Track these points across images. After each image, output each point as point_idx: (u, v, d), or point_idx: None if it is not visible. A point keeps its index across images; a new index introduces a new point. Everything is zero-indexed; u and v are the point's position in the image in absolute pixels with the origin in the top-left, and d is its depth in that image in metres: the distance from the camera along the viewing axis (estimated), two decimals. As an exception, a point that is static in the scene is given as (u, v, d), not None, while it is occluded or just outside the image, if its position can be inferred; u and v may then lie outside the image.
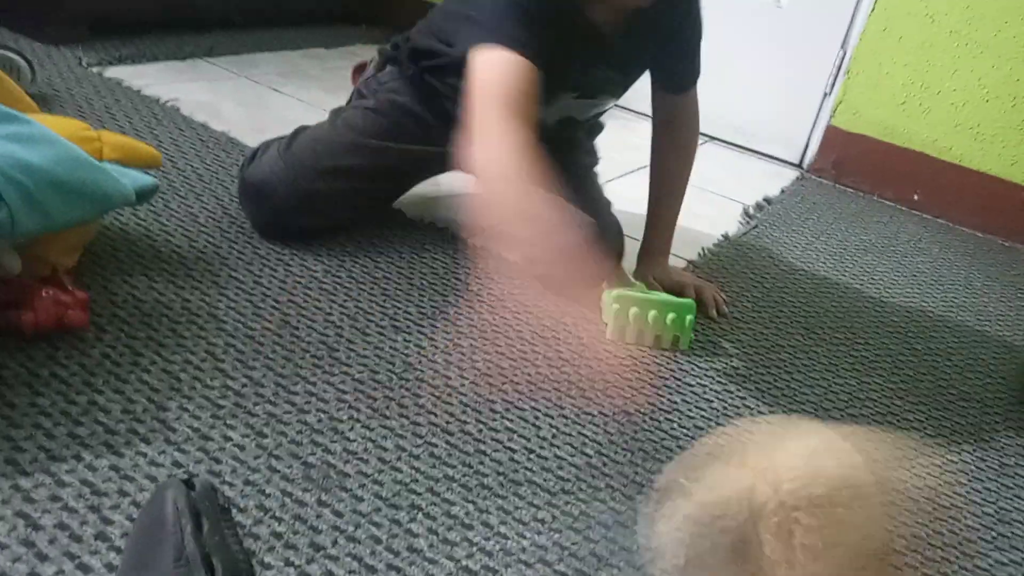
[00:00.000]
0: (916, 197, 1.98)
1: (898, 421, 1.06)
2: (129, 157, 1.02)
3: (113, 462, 0.73)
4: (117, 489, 0.70)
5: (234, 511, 0.70)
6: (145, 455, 0.74)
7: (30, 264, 0.87)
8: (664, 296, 1.12)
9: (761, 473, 0.46)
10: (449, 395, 0.91)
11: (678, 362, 1.08)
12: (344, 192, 1.16)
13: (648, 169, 1.28)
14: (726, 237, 1.54)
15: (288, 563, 0.67)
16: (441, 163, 1.23)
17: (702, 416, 0.98)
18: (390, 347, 0.98)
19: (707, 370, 1.08)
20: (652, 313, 1.09)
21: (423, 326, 1.04)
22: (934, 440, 1.04)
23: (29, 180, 0.81)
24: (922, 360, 1.24)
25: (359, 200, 1.20)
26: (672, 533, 0.45)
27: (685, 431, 0.94)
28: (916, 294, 1.48)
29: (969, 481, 0.97)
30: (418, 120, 1.20)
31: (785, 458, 0.46)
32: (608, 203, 1.30)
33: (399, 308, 1.06)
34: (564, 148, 1.23)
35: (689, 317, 1.10)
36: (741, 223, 1.63)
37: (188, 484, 0.53)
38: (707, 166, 1.96)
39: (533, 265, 1.04)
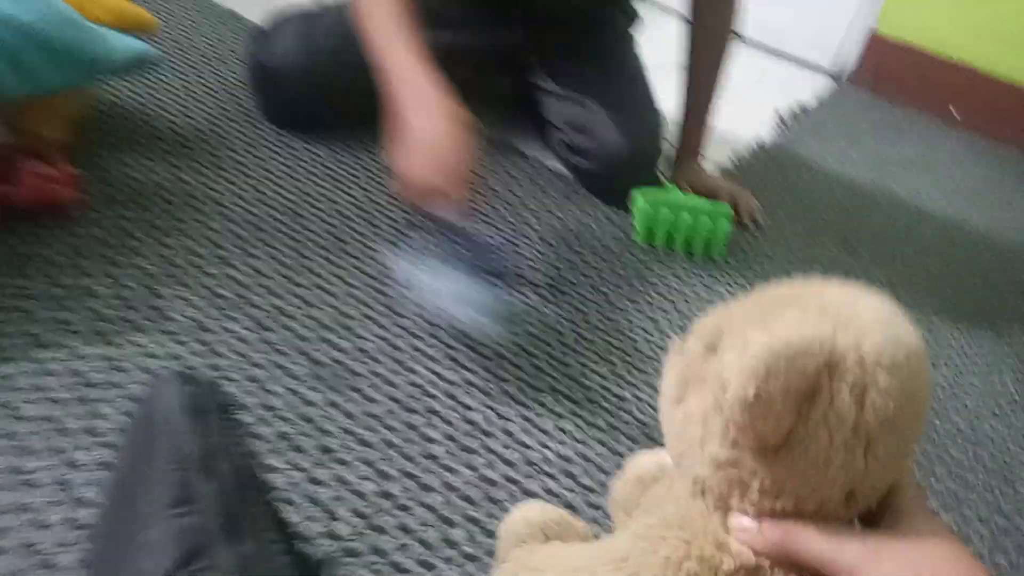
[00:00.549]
0: (956, 113, 1.87)
1: (939, 343, 1.00)
2: (123, 20, 0.92)
3: (104, 351, 0.67)
4: (107, 380, 0.64)
5: (237, 409, 0.64)
6: (139, 345, 0.68)
7: (16, 136, 0.79)
8: (698, 200, 1.04)
9: (844, 324, 0.41)
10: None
11: (709, 271, 1.01)
12: (368, 86, 1.07)
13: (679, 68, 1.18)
14: (760, 144, 1.44)
15: (295, 466, 0.62)
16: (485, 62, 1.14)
17: (735, 329, 0.92)
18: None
19: (740, 281, 1.01)
20: (684, 216, 1.02)
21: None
22: (975, 362, 0.98)
23: (14, 37, 0.73)
24: (961, 280, 1.18)
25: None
26: (746, 362, 0.39)
27: (717, 344, 0.88)
28: (954, 212, 1.40)
29: (1009, 406, 0.92)
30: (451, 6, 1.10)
31: (868, 314, 0.41)
32: (645, 95, 1.16)
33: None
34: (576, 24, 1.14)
35: (723, 223, 1.03)
36: (775, 130, 1.54)
37: (187, 378, 0.47)
38: (737, 68, 1.84)
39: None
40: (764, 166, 1.37)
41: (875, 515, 0.42)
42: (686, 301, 0.94)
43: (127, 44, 0.86)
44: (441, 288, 0.72)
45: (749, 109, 1.61)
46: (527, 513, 0.53)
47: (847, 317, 0.41)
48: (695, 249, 1.04)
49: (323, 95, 1.04)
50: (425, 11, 0.90)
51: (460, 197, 0.75)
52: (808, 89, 1.85)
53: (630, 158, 1.07)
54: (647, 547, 0.43)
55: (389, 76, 0.82)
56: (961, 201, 1.46)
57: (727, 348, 0.42)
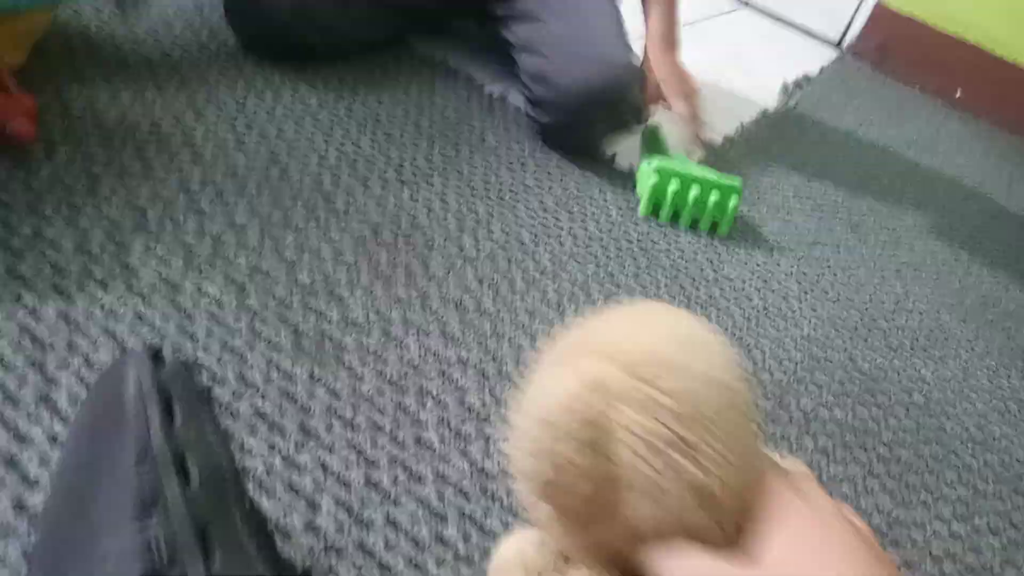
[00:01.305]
0: (959, 94, 1.82)
1: (948, 338, 0.97)
2: (90, -65, 0.83)
3: (62, 309, 0.59)
4: (66, 343, 0.57)
5: (211, 383, 0.58)
6: (101, 303, 0.61)
7: (-37, 56, 0.71)
8: (708, 173, 0.98)
9: (622, 363, 0.36)
10: (462, 265, 0.79)
11: (715, 248, 0.96)
12: (362, 17, 0.98)
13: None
14: (764, 113, 1.38)
15: (273, 448, 0.56)
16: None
17: (741, 314, 0.87)
18: (395, 201, 0.84)
19: (746, 262, 0.96)
20: (693, 193, 0.96)
21: (432, 181, 0.89)
22: (984, 361, 0.95)
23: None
24: (967, 270, 1.14)
25: (372, 16, 1.02)
26: (519, 438, 0.35)
27: (724, 326, 0.84)
28: (960, 198, 1.36)
29: (1018, 407, 0.89)
30: None
31: (624, 332, 0.37)
32: (608, 32, 1.03)
33: (405, 157, 0.92)
34: None
35: (733, 201, 0.97)
36: (780, 100, 1.48)
37: (155, 357, 0.41)
38: (740, 34, 1.78)
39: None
40: (769, 138, 1.32)
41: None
42: (693, 282, 0.89)
43: (97, -37, 0.77)
44: None
45: (754, 76, 1.55)
46: (523, 556, 0.42)
47: (605, 346, 0.36)
48: (701, 225, 0.98)
49: (302, 11, 0.95)
50: None
51: None
52: (813, 59, 1.79)
53: (587, 102, 0.97)
54: None
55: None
56: (965, 187, 1.42)
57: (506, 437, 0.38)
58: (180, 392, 0.40)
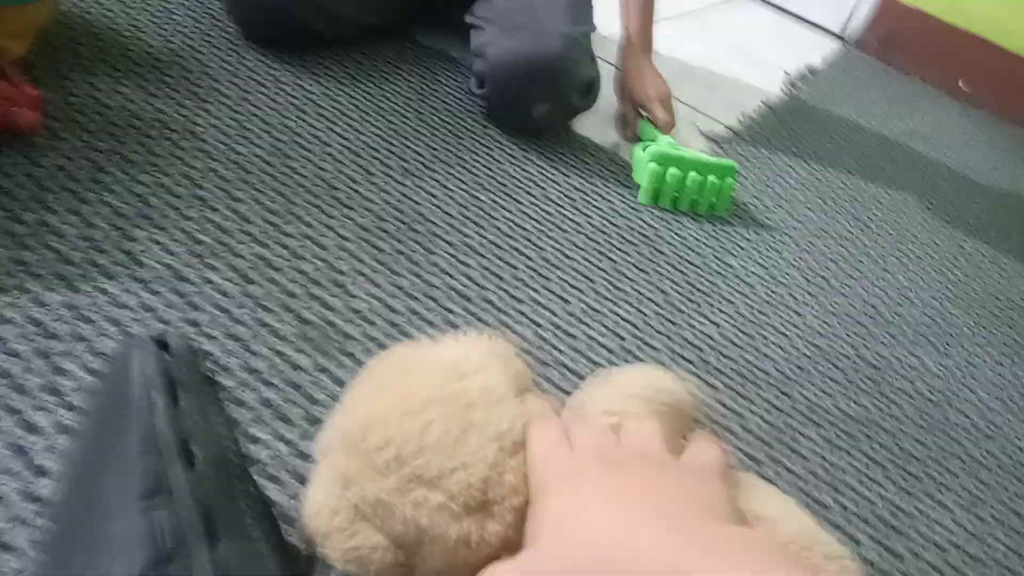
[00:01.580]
0: (964, 86, 1.82)
1: (951, 328, 0.97)
2: (92, -76, 0.83)
3: (67, 298, 0.60)
4: (71, 332, 0.57)
5: (217, 371, 0.58)
6: (106, 292, 0.61)
7: (-33, 46, 0.71)
8: (703, 156, 0.98)
9: (340, 447, 0.40)
10: (467, 255, 0.79)
11: (719, 239, 0.96)
12: None
13: None
14: (768, 105, 1.38)
15: (279, 437, 0.56)
16: None
17: (745, 303, 0.87)
18: (398, 191, 0.84)
19: (750, 253, 0.96)
20: (692, 175, 0.96)
21: (436, 171, 0.89)
22: (987, 351, 0.95)
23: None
24: (970, 260, 1.14)
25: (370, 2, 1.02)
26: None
27: (727, 317, 0.84)
28: (964, 189, 1.36)
29: (1021, 396, 0.89)
30: None
31: (349, 411, 0.42)
32: (554, 7, 0.98)
33: (408, 147, 0.91)
34: None
35: (729, 180, 0.98)
36: (783, 91, 1.47)
37: (161, 344, 0.41)
38: (742, 24, 1.77)
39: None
40: (772, 128, 1.31)
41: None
42: (697, 272, 0.89)
43: (100, -48, 0.77)
44: None
45: (756, 68, 1.54)
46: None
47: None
48: (699, 209, 0.98)
49: (314, 5, 0.95)
50: None
51: None
52: (816, 51, 1.78)
53: (520, 74, 0.94)
54: None
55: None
56: (969, 179, 1.42)
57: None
58: (186, 378, 0.40)
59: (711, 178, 0.97)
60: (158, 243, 0.67)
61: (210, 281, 0.65)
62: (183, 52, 0.91)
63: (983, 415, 0.84)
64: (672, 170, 0.96)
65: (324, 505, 0.39)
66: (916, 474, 0.73)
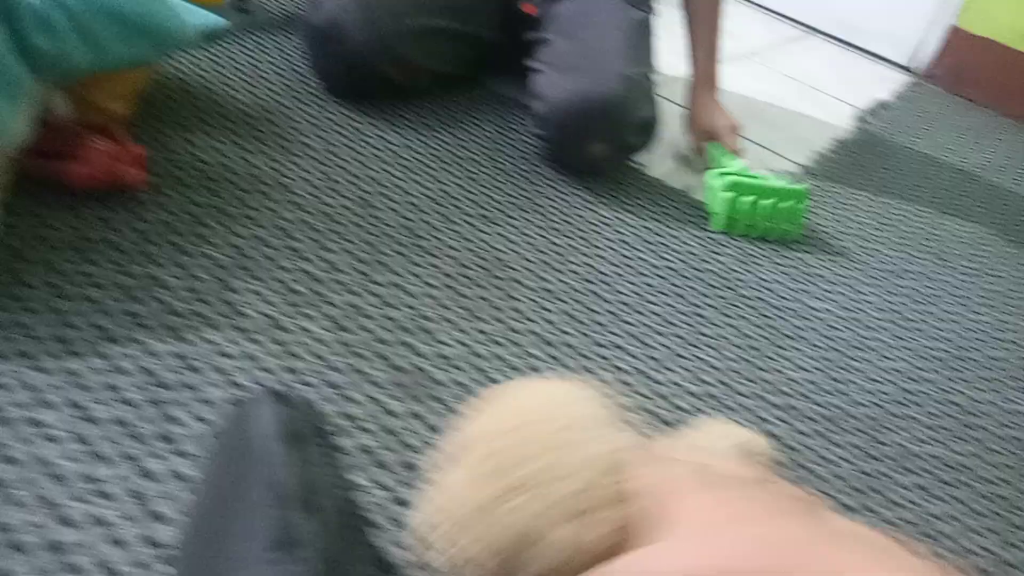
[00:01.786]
0: (1041, 115, 1.77)
1: (1043, 369, 0.94)
2: (192, -9, 0.88)
3: (176, 348, 0.62)
4: (180, 381, 0.60)
5: (334, 434, 0.60)
6: (212, 342, 0.64)
7: (79, 110, 0.75)
8: (775, 181, 1.00)
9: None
10: (547, 300, 0.80)
11: (799, 280, 0.95)
12: (431, 35, 1.01)
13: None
14: (840, 142, 1.37)
15: (379, 485, 0.57)
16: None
17: (832, 348, 0.86)
18: (479, 238, 0.86)
19: (831, 294, 0.95)
20: (764, 202, 0.97)
21: (513, 217, 0.91)
22: (1086, 394, 0.91)
23: (81, 6, 0.68)
24: (1060, 300, 1.10)
25: (447, 50, 1.05)
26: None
27: (813, 361, 0.83)
28: (1046, 224, 1.32)
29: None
30: None
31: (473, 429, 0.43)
32: (615, 49, 1.00)
33: (487, 195, 0.94)
34: None
35: (801, 205, 1.00)
36: (853, 127, 1.46)
37: (281, 398, 0.43)
38: (809, 61, 1.76)
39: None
40: (847, 166, 1.30)
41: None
42: (780, 315, 0.88)
43: (201, 17, 0.82)
44: None
45: (824, 104, 1.53)
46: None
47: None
48: (772, 235, 1.00)
49: (383, 46, 0.98)
50: None
51: None
52: (884, 85, 1.76)
53: (578, 115, 0.95)
54: None
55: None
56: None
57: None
58: (306, 432, 0.42)
59: (784, 203, 0.99)
60: (256, 293, 0.69)
61: (306, 329, 0.68)
62: (272, 108, 0.95)
63: (1086, 461, 0.81)
64: (745, 197, 0.97)
65: (431, 514, 0.41)
66: (1020, 525, 0.70)
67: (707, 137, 1.10)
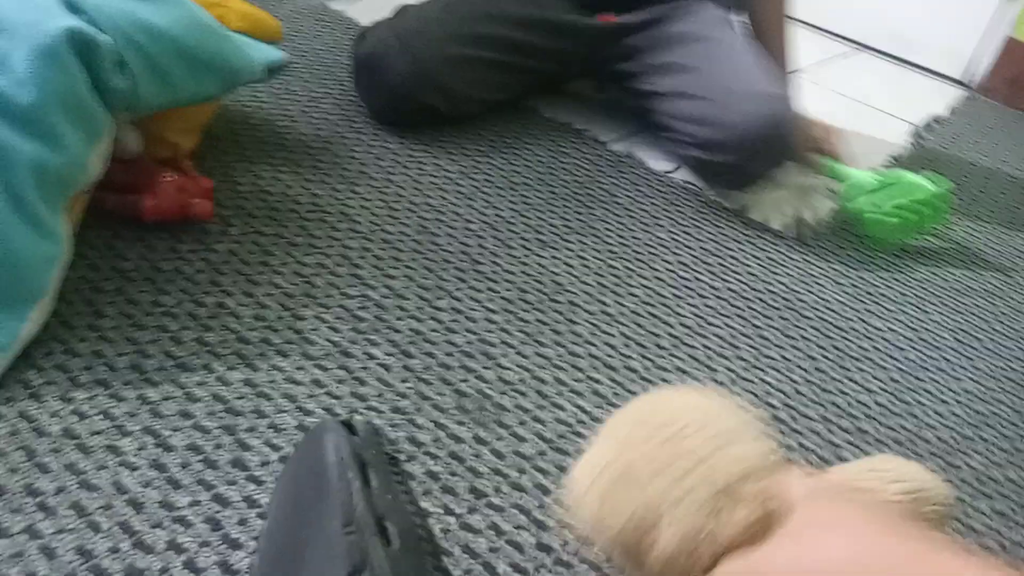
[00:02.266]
0: (1104, 126, 1.72)
1: (1123, 389, 0.90)
2: (255, 28, 0.90)
3: (247, 376, 0.64)
4: (253, 408, 0.61)
5: (401, 460, 0.60)
6: (281, 369, 0.65)
7: (148, 144, 0.78)
8: (910, 184, 1.04)
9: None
10: (608, 324, 0.80)
11: (862, 300, 0.94)
12: (470, 64, 1.02)
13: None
14: (897, 158, 1.35)
15: (448, 511, 0.57)
16: (591, 55, 1.09)
17: (899, 368, 0.84)
18: (537, 263, 0.86)
19: (896, 314, 0.93)
20: (909, 215, 1.03)
21: (570, 241, 0.91)
22: None
23: (154, 45, 0.71)
24: None
25: (488, 78, 1.06)
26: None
27: (880, 383, 0.81)
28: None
29: None
30: None
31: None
32: (754, 69, 1.06)
33: (542, 219, 0.94)
34: None
35: (944, 206, 1.05)
36: (910, 143, 1.43)
37: (350, 427, 0.43)
38: (860, 77, 1.74)
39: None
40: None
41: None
42: (844, 337, 0.87)
43: (264, 52, 0.84)
44: None
45: (878, 121, 1.51)
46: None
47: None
48: (924, 228, 1.06)
49: (423, 77, 0.99)
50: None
51: None
52: (940, 100, 1.73)
53: (759, 137, 0.99)
54: None
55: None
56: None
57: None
58: (374, 459, 0.42)
59: (927, 210, 1.03)
60: (324, 321, 0.71)
61: (372, 356, 0.68)
62: (332, 138, 0.97)
63: None
64: (891, 213, 1.02)
65: (582, 478, 0.44)
66: (1108, 552, 0.68)
67: (812, 149, 1.11)
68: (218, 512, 0.53)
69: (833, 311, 0.90)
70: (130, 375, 0.61)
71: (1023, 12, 1.76)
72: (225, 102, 0.97)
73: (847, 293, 0.94)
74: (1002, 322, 0.97)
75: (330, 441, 0.43)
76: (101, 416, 0.58)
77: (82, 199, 0.71)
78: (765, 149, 1.01)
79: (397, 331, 0.72)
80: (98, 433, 0.57)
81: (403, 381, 0.67)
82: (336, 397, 0.63)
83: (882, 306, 0.94)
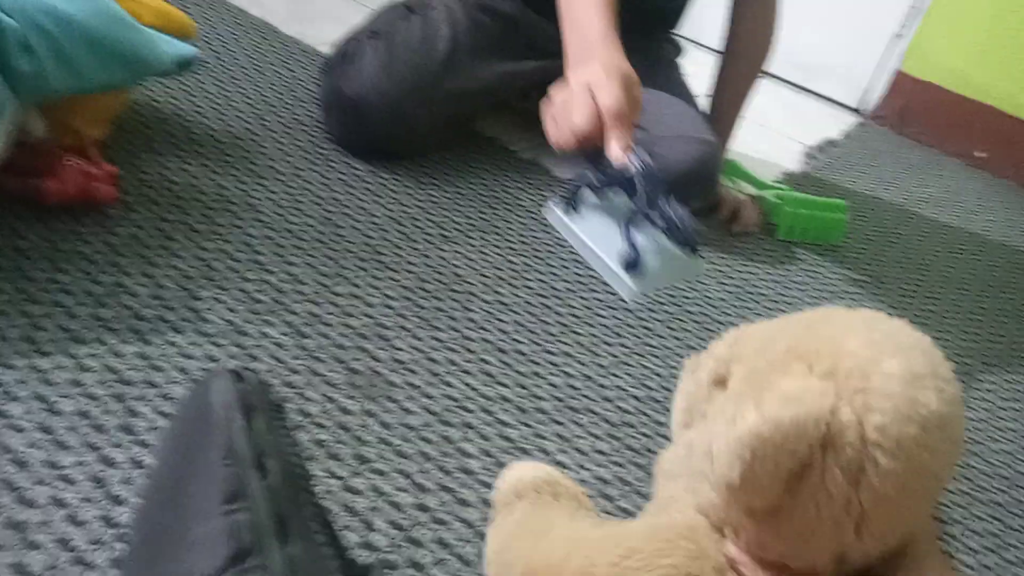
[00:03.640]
0: (982, 154, 1.87)
1: (975, 384, 0.99)
2: (167, 23, 0.92)
3: (140, 349, 0.66)
4: (144, 379, 0.63)
5: (285, 409, 0.63)
6: (175, 344, 0.67)
7: (55, 131, 0.79)
8: (816, 199, 1.22)
9: (850, 393, 0.38)
10: (502, 312, 0.84)
11: (744, 303, 1.00)
12: (453, 116, 1.08)
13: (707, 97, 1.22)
14: (787, 175, 1.44)
15: (331, 474, 0.60)
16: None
17: (770, 357, 0.91)
18: (438, 255, 0.90)
19: (772, 310, 1.00)
20: (816, 214, 1.20)
21: (472, 237, 0.96)
22: (1016, 408, 0.96)
23: (62, 32, 0.72)
24: (993, 319, 1.16)
25: (448, 116, 1.09)
26: (732, 444, 0.37)
27: (752, 372, 0.87)
28: (983, 252, 1.39)
29: (1048, 450, 0.90)
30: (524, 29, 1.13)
31: (881, 380, 0.38)
32: (697, 115, 1.15)
33: (447, 217, 0.98)
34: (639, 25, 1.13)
35: (842, 217, 1.22)
36: (804, 163, 1.53)
37: (239, 376, 0.46)
38: (762, 101, 1.85)
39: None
40: (793, 198, 1.37)
41: (891, 562, 0.41)
42: (721, 328, 0.93)
43: (175, 47, 0.86)
44: (588, 237, 0.67)
45: (776, 141, 1.61)
46: (521, 472, 0.54)
47: (856, 384, 0.38)
48: (818, 239, 1.21)
49: (406, 128, 1.03)
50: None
51: (619, 142, 0.70)
52: (834, 125, 1.85)
53: (689, 179, 1.02)
54: (658, 549, 0.42)
55: (565, 25, 0.80)
56: (988, 242, 1.45)
57: (724, 415, 0.40)
58: (259, 403, 0.45)
59: (831, 215, 1.20)
60: (221, 302, 0.73)
61: (267, 335, 0.71)
62: (241, 133, 1.00)
63: (1010, 466, 0.85)
64: (802, 211, 1.18)
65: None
66: None
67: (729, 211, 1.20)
68: (103, 471, 0.55)
69: (713, 307, 0.97)
70: (21, 345, 0.63)
71: (911, 48, 1.90)
72: (137, 97, 0.98)
73: (730, 292, 1.01)
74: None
75: (216, 385, 0.46)
76: (-10, 384, 0.59)
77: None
78: (690, 191, 1.02)
79: (294, 313, 0.74)
80: (-14, 400, 0.58)
81: (295, 359, 0.69)
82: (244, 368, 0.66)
83: (760, 304, 1.01)
